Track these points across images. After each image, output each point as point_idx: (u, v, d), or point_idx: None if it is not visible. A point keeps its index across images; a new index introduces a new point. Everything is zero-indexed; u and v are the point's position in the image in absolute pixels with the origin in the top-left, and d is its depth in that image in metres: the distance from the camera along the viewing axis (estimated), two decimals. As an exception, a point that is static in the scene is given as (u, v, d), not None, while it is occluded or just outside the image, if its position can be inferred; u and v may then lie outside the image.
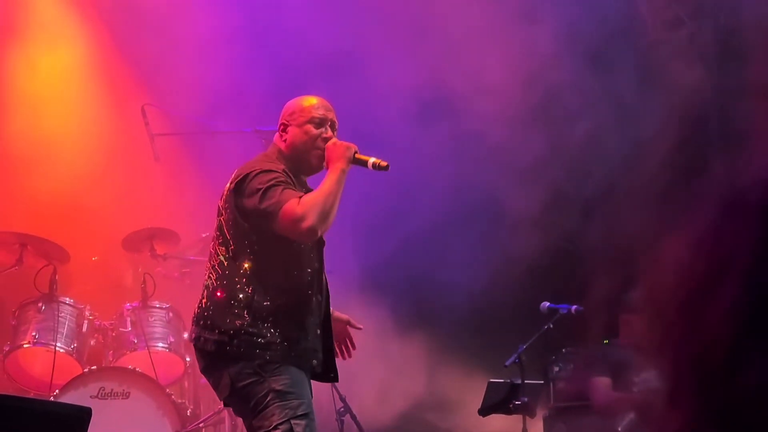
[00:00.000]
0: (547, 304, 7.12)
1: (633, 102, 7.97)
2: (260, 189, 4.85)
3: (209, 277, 5.05)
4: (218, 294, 4.95)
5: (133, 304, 7.66)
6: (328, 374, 5.21)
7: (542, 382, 6.97)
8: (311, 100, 5.17)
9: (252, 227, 4.91)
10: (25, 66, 9.05)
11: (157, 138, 7.77)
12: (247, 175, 4.95)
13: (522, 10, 8.51)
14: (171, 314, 7.70)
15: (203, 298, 5.04)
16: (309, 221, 4.69)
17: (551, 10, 8.47)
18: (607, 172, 7.80)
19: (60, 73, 9.13)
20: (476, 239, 8.47)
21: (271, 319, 4.87)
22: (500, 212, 8.56)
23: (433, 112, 8.41)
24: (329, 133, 5.08)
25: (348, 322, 5.50)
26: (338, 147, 4.94)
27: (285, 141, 5.10)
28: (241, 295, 4.89)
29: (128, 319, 7.59)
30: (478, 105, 8.42)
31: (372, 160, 4.95)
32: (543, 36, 8.31)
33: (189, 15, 8.74)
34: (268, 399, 4.83)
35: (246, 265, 4.93)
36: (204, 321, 4.98)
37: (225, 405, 5.42)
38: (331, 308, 5.26)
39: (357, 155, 4.95)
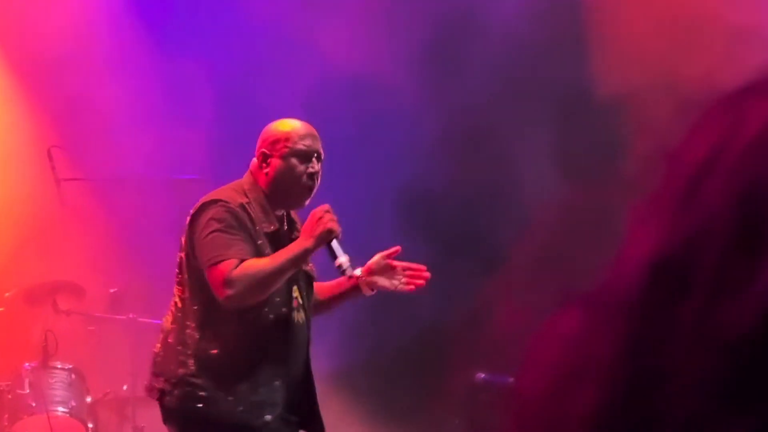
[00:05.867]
0: (483, 375, 7.09)
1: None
2: (208, 227, 4.70)
3: (166, 319, 4.94)
4: (169, 339, 4.84)
5: (33, 364, 7.41)
6: (314, 427, 5.02)
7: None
8: (296, 128, 4.93)
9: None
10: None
11: (63, 183, 7.64)
12: (203, 205, 4.79)
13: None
14: (74, 376, 7.46)
15: (158, 342, 4.94)
16: (233, 291, 4.57)
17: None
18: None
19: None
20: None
21: (217, 369, 4.73)
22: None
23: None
24: (316, 167, 4.88)
25: (380, 257, 5.07)
26: (321, 224, 4.70)
27: (266, 174, 4.87)
28: (189, 341, 4.76)
29: (26, 380, 7.34)
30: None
31: (342, 260, 4.74)
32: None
33: (99, 53, 8.53)
34: None
35: (197, 307, 4.78)
36: (154, 367, 4.90)
37: None
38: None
39: (333, 243, 4.73)
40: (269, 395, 4.81)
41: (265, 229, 4.85)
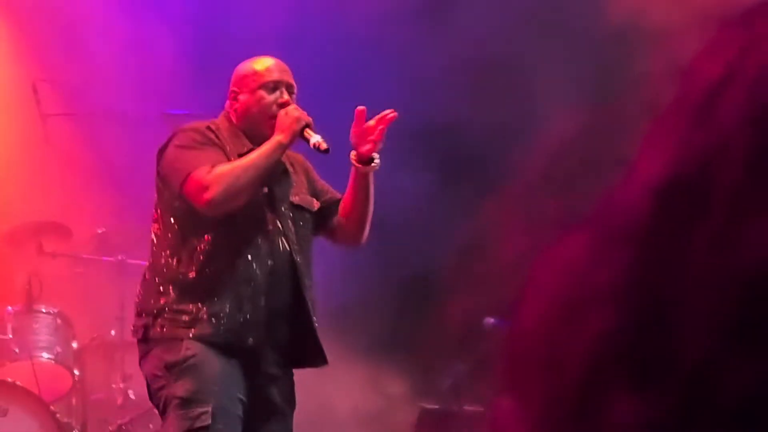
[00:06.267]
0: (492, 319, 7.07)
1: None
2: (174, 152, 4.81)
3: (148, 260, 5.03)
4: (146, 275, 4.92)
5: (16, 308, 7.34)
6: (316, 358, 5.04)
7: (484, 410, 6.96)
8: (264, 62, 5.04)
9: (173, 192, 4.82)
10: None
11: (49, 119, 7.70)
12: (168, 139, 4.92)
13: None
14: (59, 321, 7.39)
15: (139, 284, 5.01)
16: (211, 193, 4.62)
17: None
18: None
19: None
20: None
21: (198, 291, 4.76)
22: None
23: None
24: (285, 97, 4.96)
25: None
26: (288, 117, 4.80)
27: (236, 110, 4.99)
28: (165, 270, 4.82)
29: (9, 324, 7.27)
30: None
31: (314, 139, 4.80)
32: None
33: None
34: (171, 406, 4.72)
35: (170, 235, 4.85)
36: (136, 309, 4.97)
37: None
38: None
39: (306, 130, 4.82)
40: (254, 315, 4.82)
41: (238, 151, 4.90)
